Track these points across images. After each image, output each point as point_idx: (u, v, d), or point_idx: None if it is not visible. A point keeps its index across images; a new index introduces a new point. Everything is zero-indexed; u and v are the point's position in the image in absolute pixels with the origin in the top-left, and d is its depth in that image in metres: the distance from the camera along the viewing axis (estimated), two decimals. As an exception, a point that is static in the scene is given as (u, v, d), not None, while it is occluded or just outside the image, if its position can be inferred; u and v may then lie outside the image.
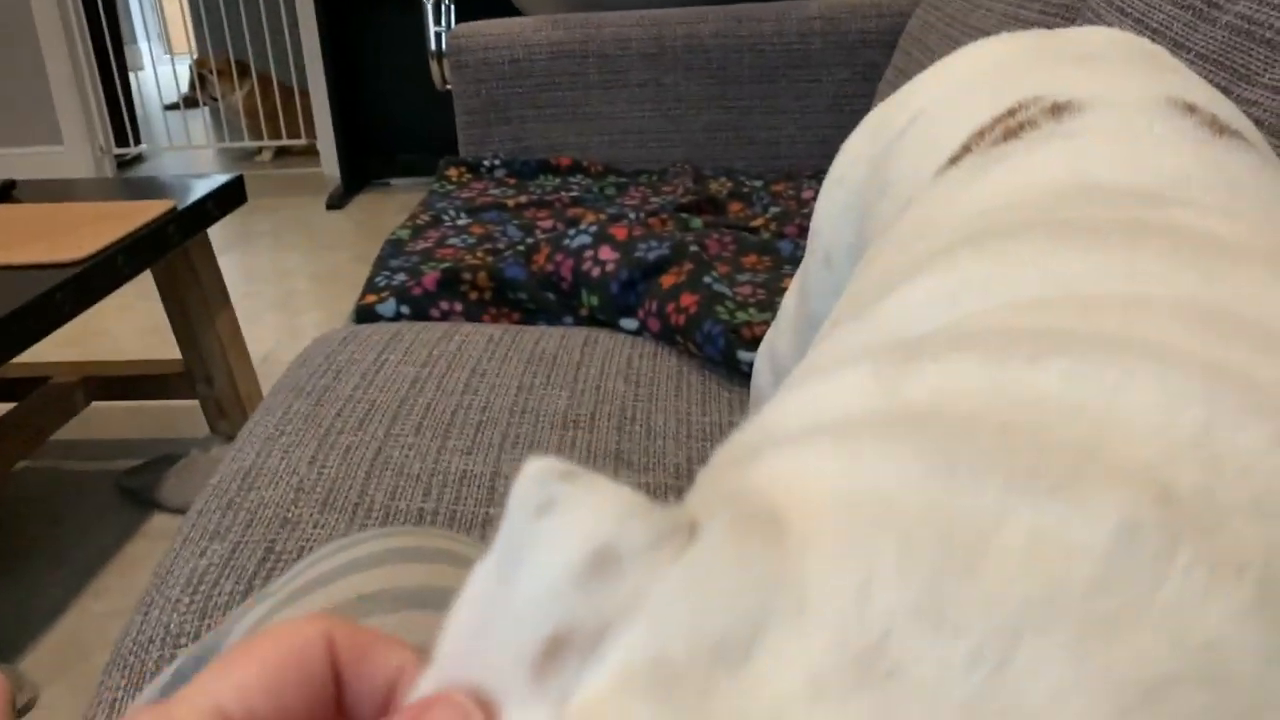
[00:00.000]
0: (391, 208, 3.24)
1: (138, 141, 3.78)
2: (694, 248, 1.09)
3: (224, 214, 1.66)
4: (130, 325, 2.28)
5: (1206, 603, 0.15)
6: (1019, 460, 0.18)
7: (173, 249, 1.55)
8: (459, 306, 1.10)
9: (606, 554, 0.17)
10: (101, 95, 3.56)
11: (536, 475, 0.19)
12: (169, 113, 4.30)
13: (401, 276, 1.16)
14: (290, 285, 2.58)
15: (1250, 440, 0.18)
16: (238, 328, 1.80)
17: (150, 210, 1.51)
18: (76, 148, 3.53)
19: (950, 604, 0.15)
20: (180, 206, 1.55)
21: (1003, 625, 0.15)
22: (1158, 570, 0.15)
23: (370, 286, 1.15)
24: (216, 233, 1.74)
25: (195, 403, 1.81)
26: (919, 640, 0.15)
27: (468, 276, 1.10)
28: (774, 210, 1.40)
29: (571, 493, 0.18)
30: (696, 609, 0.16)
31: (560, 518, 0.18)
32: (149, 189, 1.70)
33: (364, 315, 1.09)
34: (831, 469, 0.19)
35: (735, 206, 1.45)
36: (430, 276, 1.11)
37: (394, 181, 3.52)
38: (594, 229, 1.12)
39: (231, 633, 0.38)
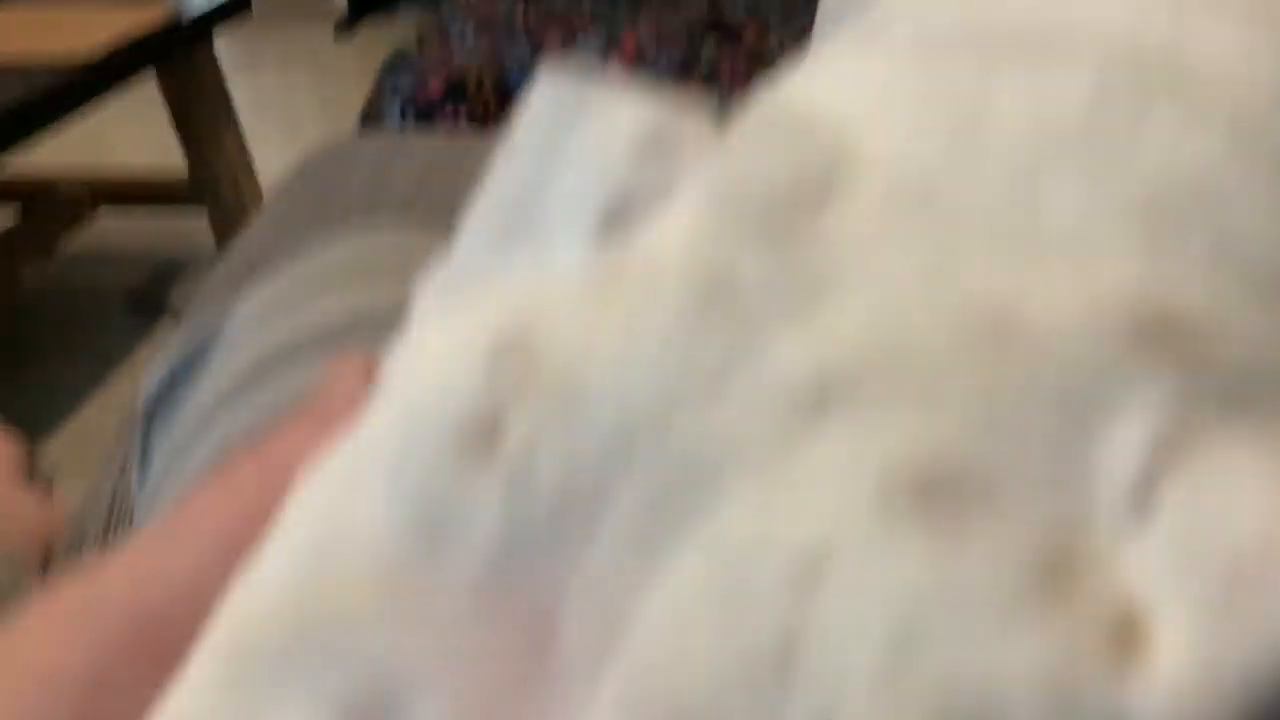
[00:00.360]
0: (399, 36, 3.17)
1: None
2: (707, 68, 1.08)
3: (228, 21, 1.63)
4: (138, 141, 2.26)
5: (1185, 142, 0.17)
6: (988, 44, 0.19)
7: (176, 54, 1.53)
8: (464, 116, 1.09)
9: (660, 134, 0.17)
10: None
11: (560, 78, 0.18)
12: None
13: (408, 84, 1.15)
14: (296, 111, 2.54)
15: (1217, 42, 0.19)
16: (244, 144, 1.79)
17: (152, 14, 1.49)
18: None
19: (976, 153, 0.17)
20: (183, 12, 1.52)
21: (1021, 165, 0.17)
22: (1138, 115, 0.17)
23: (376, 92, 1.14)
24: (222, 58, 1.72)
25: (203, 220, 1.81)
26: (960, 181, 0.17)
27: (474, 86, 1.09)
28: (793, 38, 1.37)
29: (604, 90, 0.17)
30: (764, 164, 0.17)
31: (600, 106, 0.17)
32: (152, -4, 1.67)
33: (369, 120, 1.09)
34: (816, 91, 0.19)
35: (751, 33, 1.42)
36: (436, 84, 1.10)
37: (402, 8, 3.43)
38: (604, 37, 1.10)
39: (231, 322, 0.40)
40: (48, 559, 0.69)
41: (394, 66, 1.21)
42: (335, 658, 0.17)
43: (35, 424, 1.42)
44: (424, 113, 1.09)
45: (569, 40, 1.30)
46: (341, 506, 0.17)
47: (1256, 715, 0.14)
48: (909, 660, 0.14)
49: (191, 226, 1.86)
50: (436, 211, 0.87)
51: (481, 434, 0.16)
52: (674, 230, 0.16)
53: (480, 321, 0.17)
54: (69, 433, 1.42)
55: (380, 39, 3.15)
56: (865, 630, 0.15)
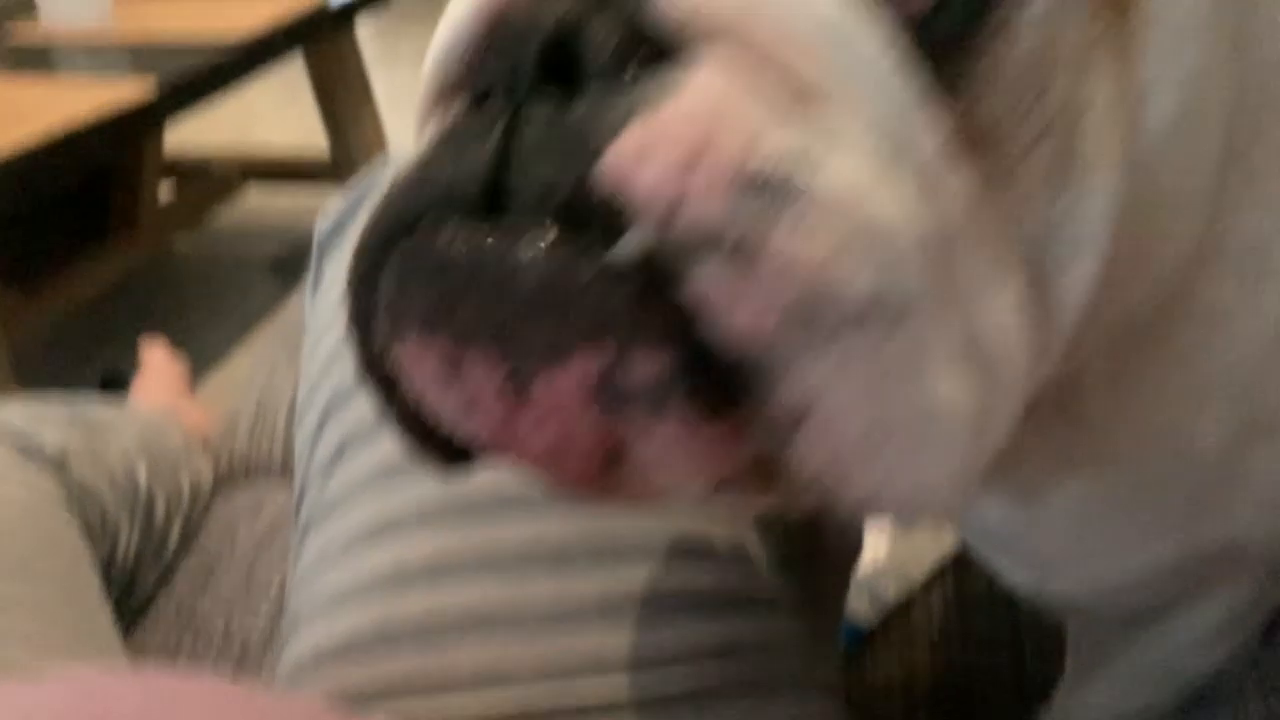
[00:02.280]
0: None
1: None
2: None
3: (369, 7, 1.73)
4: (284, 121, 2.41)
5: None
6: None
7: (322, 38, 1.63)
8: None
9: None
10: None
11: None
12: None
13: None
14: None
15: None
16: (381, 128, 1.90)
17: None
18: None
19: None
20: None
21: None
22: None
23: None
24: (363, 49, 1.83)
25: (340, 197, 1.92)
26: None
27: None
28: None
29: None
30: None
31: None
32: (303, -15, 1.78)
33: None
34: None
35: None
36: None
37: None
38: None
39: (386, 175, 0.46)
40: (203, 450, 0.77)
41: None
42: None
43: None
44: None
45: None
46: None
47: None
48: None
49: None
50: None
51: None
52: None
53: None
54: (214, 385, 1.53)
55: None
56: None
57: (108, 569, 0.62)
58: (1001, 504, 0.37)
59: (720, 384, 0.21)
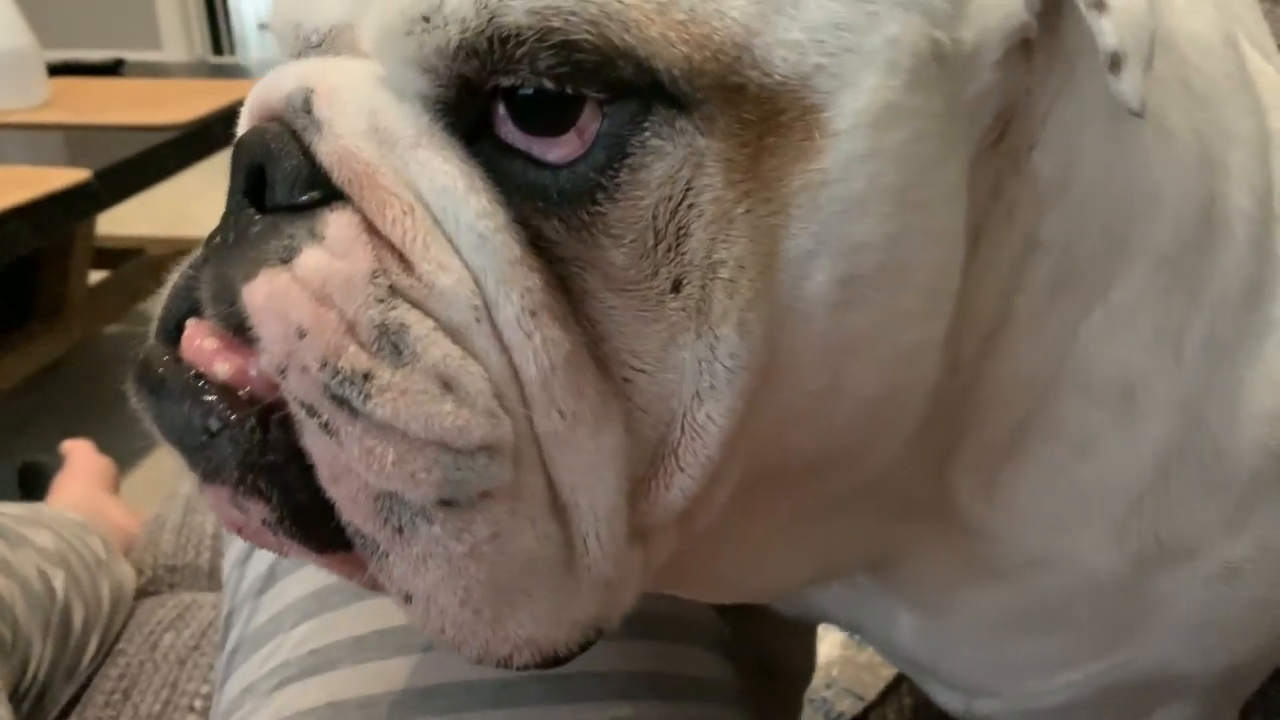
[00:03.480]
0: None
1: (233, 53, 3.89)
2: None
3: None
4: (219, 210, 2.38)
5: None
6: None
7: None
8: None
9: None
10: (201, 4, 3.67)
11: None
12: (264, 31, 4.40)
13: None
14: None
15: None
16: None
17: (246, 89, 1.59)
18: (175, 53, 3.65)
19: None
20: (275, 89, 1.63)
21: None
22: None
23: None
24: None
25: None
26: None
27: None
28: None
29: None
30: None
31: None
32: (244, 74, 1.78)
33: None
34: None
35: None
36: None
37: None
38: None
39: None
40: (127, 553, 0.74)
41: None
42: None
43: (113, 462, 1.48)
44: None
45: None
46: None
47: None
48: None
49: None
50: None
51: None
52: None
53: None
54: (140, 481, 1.48)
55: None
56: None
57: (17, 685, 0.58)
58: (911, 619, 0.37)
59: (333, 528, 0.24)
